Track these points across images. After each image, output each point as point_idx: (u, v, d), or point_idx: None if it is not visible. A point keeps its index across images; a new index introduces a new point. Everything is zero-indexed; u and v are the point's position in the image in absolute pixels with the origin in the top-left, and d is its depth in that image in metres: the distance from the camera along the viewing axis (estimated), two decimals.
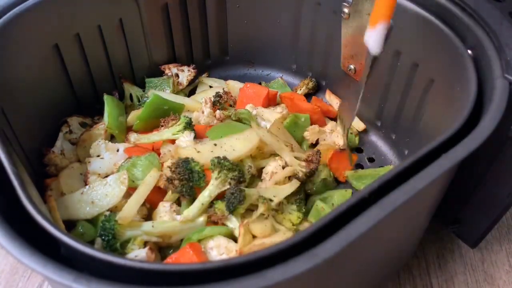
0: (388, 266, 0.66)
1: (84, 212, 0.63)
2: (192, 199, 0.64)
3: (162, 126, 0.74)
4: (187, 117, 0.74)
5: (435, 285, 0.70)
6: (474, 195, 0.64)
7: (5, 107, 0.61)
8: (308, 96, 0.90)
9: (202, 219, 0.62)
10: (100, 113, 0.82)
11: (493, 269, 0.72)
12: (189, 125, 0.72)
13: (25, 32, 0.65)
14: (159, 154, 0.69)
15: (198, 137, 0.73)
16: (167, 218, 0.63)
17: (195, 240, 0.60)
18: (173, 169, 0.63)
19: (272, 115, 0.78)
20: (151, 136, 0.74)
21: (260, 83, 0.92)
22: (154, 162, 0.67)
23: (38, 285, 0.70)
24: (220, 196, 0.64)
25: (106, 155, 0.71)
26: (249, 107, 0.79)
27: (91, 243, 0.61)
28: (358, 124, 0.85)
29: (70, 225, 0.63)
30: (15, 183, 0.46)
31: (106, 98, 0.78)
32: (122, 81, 0.85)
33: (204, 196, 0.62)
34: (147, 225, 0.61)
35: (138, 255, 0.57)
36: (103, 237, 0.58)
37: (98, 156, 0.71)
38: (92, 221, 0.63)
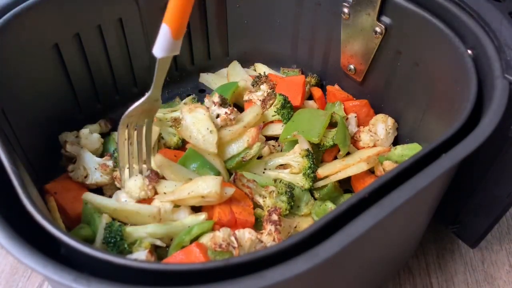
0: (388, 266, 0.66)
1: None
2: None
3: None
4: (282, 94, 0.78)
5: (435, 285, 0.70)
6: (474, 195, 0.64)
7: (5, 107, 0.61)
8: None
9: (203, 216, 0.62)
10: (100, 113, 0.82)
11: (493, 269, 0.72)
12: (286, 103, 0.77)
13: (25, 32, 0.65)
14: None
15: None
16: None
17: (187, 241, 0.59)
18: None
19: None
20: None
21: None
22: None
23: (38, 285, 0.70)
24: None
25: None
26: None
27: (91, 243, 0.61)
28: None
29: (69, 226, 0.63)
30: (15, 182, 0.45)
31: None
32: None
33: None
34: (152, 226, 0.61)
35: (137, 257, 0.57)
36: (111, 239, 0.58)
37: None
38: (89, 222, 0.63)
